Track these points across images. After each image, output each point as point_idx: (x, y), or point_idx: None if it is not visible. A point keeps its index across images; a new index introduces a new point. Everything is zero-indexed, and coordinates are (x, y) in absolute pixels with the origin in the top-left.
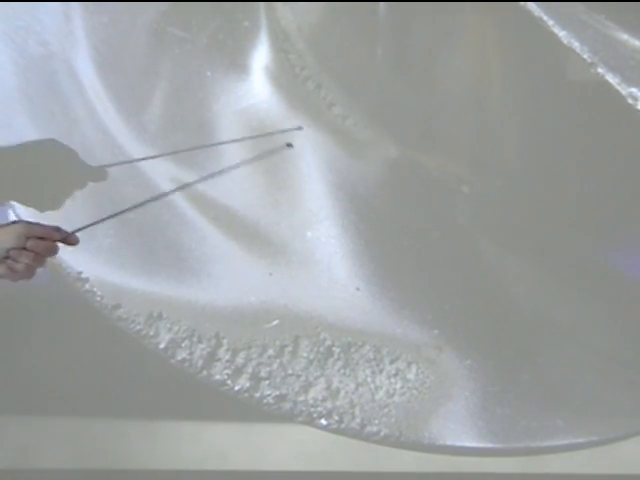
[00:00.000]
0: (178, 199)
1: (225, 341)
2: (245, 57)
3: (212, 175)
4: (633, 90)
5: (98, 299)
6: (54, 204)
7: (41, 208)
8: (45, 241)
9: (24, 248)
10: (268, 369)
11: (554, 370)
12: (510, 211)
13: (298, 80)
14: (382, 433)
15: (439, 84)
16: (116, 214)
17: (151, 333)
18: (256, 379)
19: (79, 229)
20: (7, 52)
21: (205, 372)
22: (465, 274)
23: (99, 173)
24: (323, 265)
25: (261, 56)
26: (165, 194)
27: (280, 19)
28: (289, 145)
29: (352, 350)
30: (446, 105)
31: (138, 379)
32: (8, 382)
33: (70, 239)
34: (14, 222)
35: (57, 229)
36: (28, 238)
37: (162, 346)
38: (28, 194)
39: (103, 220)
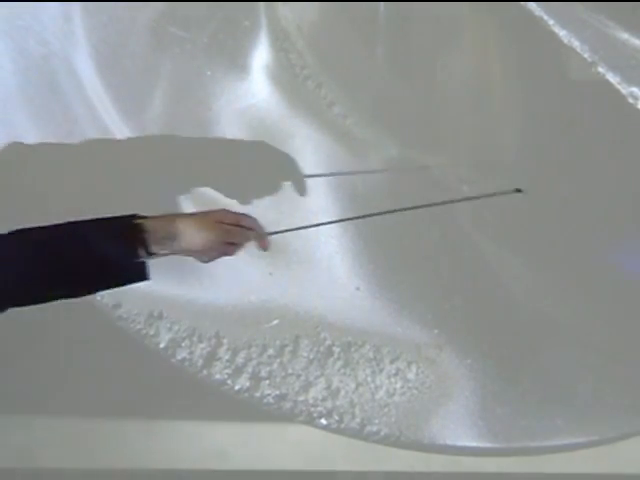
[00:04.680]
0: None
1: (225, 340)
2: (245, 57)
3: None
4: (634, 89)
5: (98, 298)
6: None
7: None
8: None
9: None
10: (268, 369)
11: (554, 370)
12: (510, 211)
13: (298, 79)
14: (382, 433)
15: (439, 84)
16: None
17: (151, 332)
18: (256, 379)
19: (275, 232)
20: (7, 52)
21: (205, 372)
22: (465, 274)
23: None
24: (323, 265)
25: (261, 56)
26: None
27: (280, 19)
28: (518, 190)
29: (352, 350)
30: (446, 105)
31: (138, 379)
32: (8, 382)
33: (263, 242)
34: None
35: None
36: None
37: (162, 345)
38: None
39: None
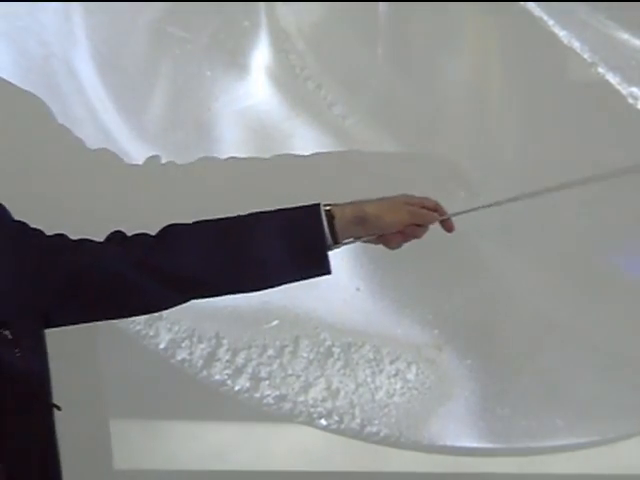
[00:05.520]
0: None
1: (225, 341)
2: (245, 57)
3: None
4: (634, 90)
5: None
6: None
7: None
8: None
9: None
10: (268, 369)
11: (554, 370)
12: (510, 211)
13: (298, 80)
14: (382, 433)
15: (439, 84)
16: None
17: (151, 333)
18: (256, 379)
19: (457, 213)
20: (7, 52)
21: (205, 372)
22: (465, 274)
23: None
24: None
25: (261, 56)
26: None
27: (280, 19)
28: None
29: (352, 350)
30: (446, 105)
31: (138, 379)
32: None
33: (448, 223)
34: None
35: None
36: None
37: (162, 346)
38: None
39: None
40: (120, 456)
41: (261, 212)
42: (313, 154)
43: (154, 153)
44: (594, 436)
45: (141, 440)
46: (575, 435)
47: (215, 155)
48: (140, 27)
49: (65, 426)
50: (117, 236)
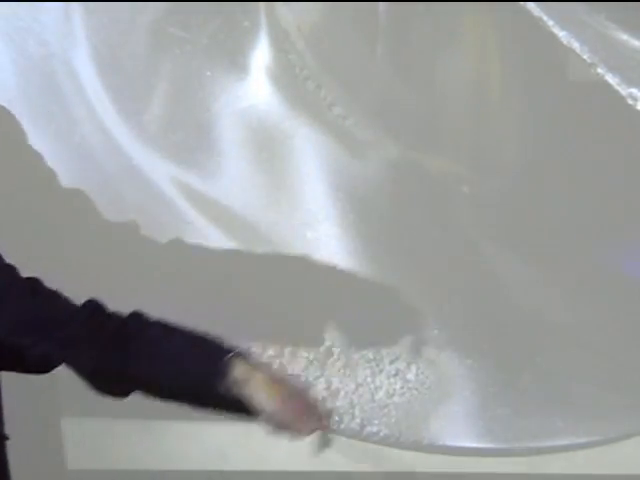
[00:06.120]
0: (179, 199)
1: None
2: (245, 57)
3: None
4: (633, 90)
5: None
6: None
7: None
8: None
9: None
10: None
11: (554, 370)
12: (510, 211)
13: (298, 80)
14: (382, 433)
15: (439, 84)
16: None
17: None
18: None
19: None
20: (7, 52)
21: None
22: (465, 274)
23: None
24: (323, 265)
25: (261, 56)
26: None
27: (280, 19)
28: None
29: (352, 350)
30: (446, 105)
31: None
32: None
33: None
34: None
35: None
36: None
37: None
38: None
39: None
40: (120, 456)
41: (191, 333)
42: None
43: (154, 153)
44: (594, 436)
45: (141, 440)
46: (575, 435)
47: (215, 155)
48: (140, 27)
49: (67, 427)
50: (91, 305)
